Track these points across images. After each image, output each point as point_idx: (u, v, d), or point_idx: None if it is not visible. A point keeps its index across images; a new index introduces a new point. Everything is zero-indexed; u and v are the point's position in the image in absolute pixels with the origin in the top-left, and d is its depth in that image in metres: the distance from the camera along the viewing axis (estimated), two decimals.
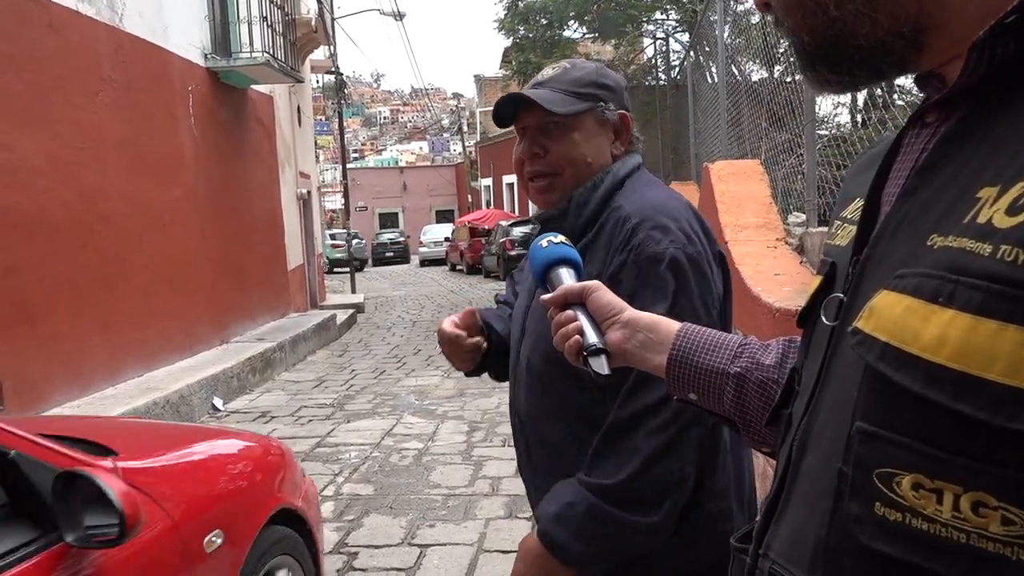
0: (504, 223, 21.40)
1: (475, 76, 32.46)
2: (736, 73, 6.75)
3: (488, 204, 29.40)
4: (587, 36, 14.01)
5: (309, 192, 14.22)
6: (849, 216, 0.69)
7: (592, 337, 0.92)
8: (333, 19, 16.35)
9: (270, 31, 9.41)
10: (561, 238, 1.08)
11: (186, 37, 8.21)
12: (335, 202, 35.72)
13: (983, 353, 0.44)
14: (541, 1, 12.83)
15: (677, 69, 11.74)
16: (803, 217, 3.96)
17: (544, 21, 12.87)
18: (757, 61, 6.24)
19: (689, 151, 9.12)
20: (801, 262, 3.42)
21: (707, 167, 4.76)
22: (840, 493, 0.53)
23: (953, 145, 0.54)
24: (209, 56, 8.78)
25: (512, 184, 26.45)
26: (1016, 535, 0.44)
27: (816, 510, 0.56)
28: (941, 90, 0.58)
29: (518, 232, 20.24)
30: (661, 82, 12.56)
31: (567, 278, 1.02)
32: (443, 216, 40.12)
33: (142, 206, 6.99)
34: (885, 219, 0.58)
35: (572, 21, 12.87)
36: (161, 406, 6.03)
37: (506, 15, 13.13)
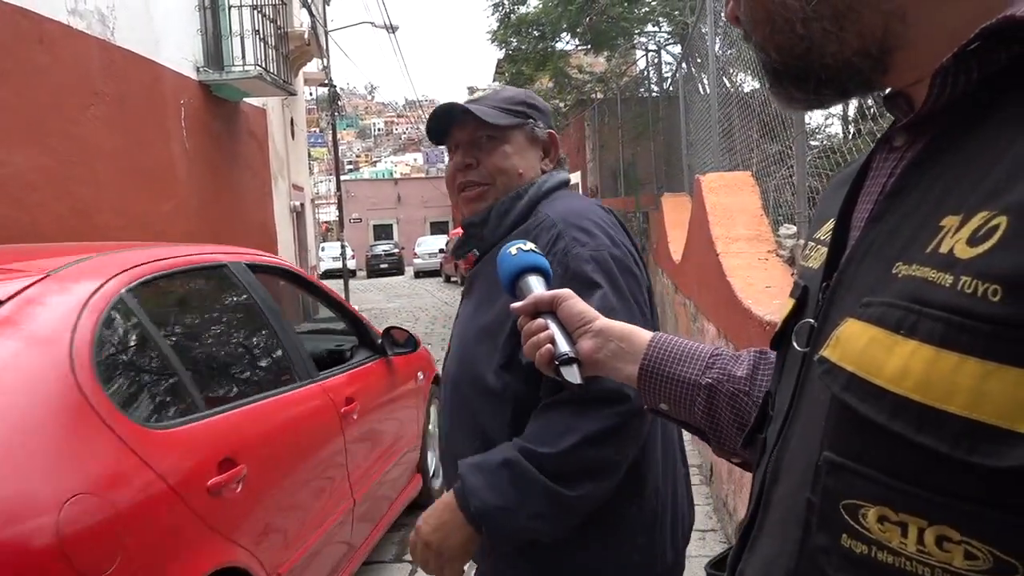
0: None
1: (468, 88, 32.57)
2: (727, 84, 6.79)
3: None
4: (579, 48, 14.06)
5: (303, 204, 14.21)
6: (823, 237, 0.68)
7: (564, 346, 0.92)
8: (326, 32, 16.38)
9: (263, 44, 9.43)
10: (531, 245, 1.08)
11: (178, 51, 8.22)
12: (329, 214, 35.68)
13: (944, 386, 0.44)
14: (534, 13, 12.88)
15: (669, 81, 11.80)
16: (794, 229, 3.97)
17: (536, 33, 12.92)
18: (748, 72, 6.28)
19: (682, 163, 9.16)
20: (792, 274, 3.44)
21: (698, 179, 4.78)
22: (808, 524, 0.53)
23: (919, 170, 0.54)
24: (201, 69, 8.79)
25: None
26: (979, 569, 0.43)
27: (787, 540, 0.56)
28: (908, 112, 0.58)
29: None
30: (653, 94, 12.61)
31: (537, 286, 1.01)
32: (438, 228, 40.11)
33: (135, 219, 6.98)
34: (854, 245, 0.57)
35: (564, 33, 12.92)
36: None
37: (499, 27, 13.17)
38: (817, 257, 0.66)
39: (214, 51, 9.11)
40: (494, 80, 30.89)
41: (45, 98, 5.85)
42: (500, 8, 13.01)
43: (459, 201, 1.47)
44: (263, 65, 9.23)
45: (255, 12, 9.31)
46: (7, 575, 1.43)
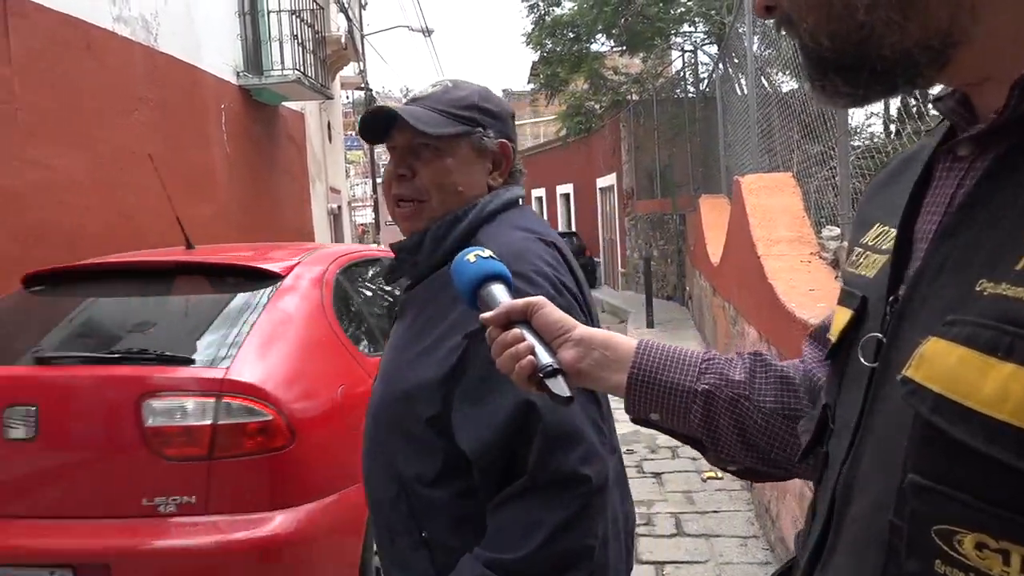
0: None
1: (503, 90, 32.59)
2: (766, 85, 6.70)
3: None
4: (614, 49, 14.01)
5: (340, 207, 14.35)
6: (871, 243, 0.66)
7: (546, 357, 0.85)
8: (362, 36, 16.54)
9: (300, 49, 9.55)
10: (489, 252, 0.99)
11: (219, 56, 8.36)
12: (366, 216, 35.99)
13: None
14: (569, 15, 12.86)
15: (706, 82, 11.70)
16: (837, 231, 3.91)
17: (571, 35, 12.89)
18: (787, 72, 6.19)
19: (719, 164, 9.07)
20: (836, 277, 3.38)
21: (738, 180, 4.72)
22: (894, 547, 0.51)
23: (995, 183, 0.51)
24: (241, 74, 8.93)
25: (541, 197, 26.48)
26: None
27: (866, 562, 0.54)
28: (962, 113, 0.56)
29: None
30: (690, 95, 12.51)
31: (502, 295, 0.94)
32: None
33: (176, 223, 7.09)
34: (926, 258, 0.55)
35: (600, 34, 12.88)
36: None
37: (534, 29, 13.17)
38: (870, 265, 0.64)
39: (253, 56, 9.25)
40: (528, 81, 30.97)
41: (91, 104, 5.98)
42: (535, 10, 13.01)
43: (393, 215, 1.32)
44: (301, 69, 9.35)
45: (293, 17, 9.43)
46: (316, 422, 2.61)
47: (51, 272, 3.14)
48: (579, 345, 0.86)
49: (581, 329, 0.87)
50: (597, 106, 14.21)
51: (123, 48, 6.47)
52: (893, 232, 0.62)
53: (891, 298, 0.57)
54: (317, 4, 10.66)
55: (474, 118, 1.27)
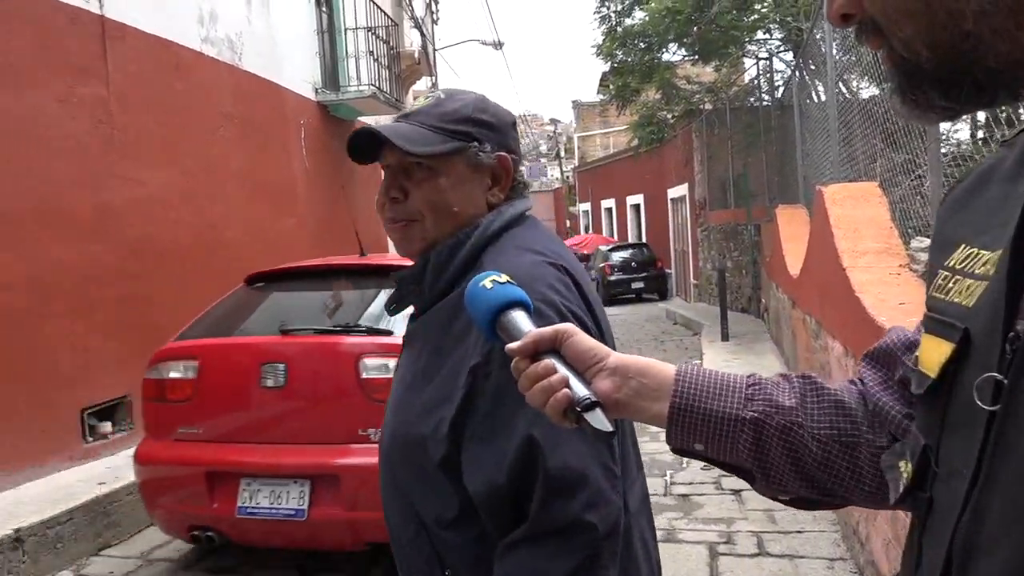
0: (603, 247, 21.34)
1: (573, 101, 32.65)
2: (844, 91, 6.53)
3: (587, 229, 29.37)
4: (686, 58, 13.86)
5: None
6: (960, 267, 0.61)
7: (583, 389, 0.79)
8: (434, 50, 16.81)
9: (376, 65, 9.76)
10: (505, 277, 0.91)
11: (299, 73, 8.61)
12: None
13: None
14: (640, 25, 12.79)
15: (781, 89, 11.45)
16: (927, 242, 3.77)
17: (643, 45, 12.80)
18: (867, 78, 6.01)
19: (796, 174, 8.86)
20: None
21: (820, 190, 4.60)
22: None
23: None
24: (319, 90, 9.17)
25: (611, 208, 26.34)
26: None
27: None
28: None
29: (617, 257, 20.14)
30: (764, 103, 12.27)
31: (525, 323, 0.86)
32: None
33: (259, 235, 7.33)
34: None
35: (671, 44, 12.76)
36: None
37: (604, 40, 13.13)
38: (964, 291, 0.59)
39: (331, 73, 9.49)
40: (598, 92, 30.88)
41: (180, 121, 6.23)
42: (606, 21, 12.98)
43: (388, 234, 1.25)
44: (376, 85, 9.55)
45: (369, 34, 9.65)
46: None
47: (267, 273, 4.25)
48: (615, 374, 0.81)
49: (615, 357, 0.82)
50: (669, 116, 14.06)
51: (210, 68, 6.74)
52: (987, 255, 0.57)
53: (1010, 334, 0.51)
54: (392, 20, 10.89)
55: (468, 132, 1.19)
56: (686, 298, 18.51)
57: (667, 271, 20.12)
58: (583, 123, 31.81)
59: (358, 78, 9.58)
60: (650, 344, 12.14)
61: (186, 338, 3.90)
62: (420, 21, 12.67)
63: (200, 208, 6.43)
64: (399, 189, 1.19)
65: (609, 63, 13.92)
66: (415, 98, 14.50)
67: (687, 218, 17.87)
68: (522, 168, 1.27)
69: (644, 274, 19.80)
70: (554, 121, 52.75)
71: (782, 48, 12.58)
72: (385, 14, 10.37)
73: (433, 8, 16.46)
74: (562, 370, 0.80)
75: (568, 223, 34.43)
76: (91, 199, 5.27)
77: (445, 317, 1.14)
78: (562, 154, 41.81)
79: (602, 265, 20.17)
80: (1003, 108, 3.25)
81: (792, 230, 7.67)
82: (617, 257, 20.16)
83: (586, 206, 29.91)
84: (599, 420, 0.77)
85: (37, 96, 4.88)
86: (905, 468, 0.65)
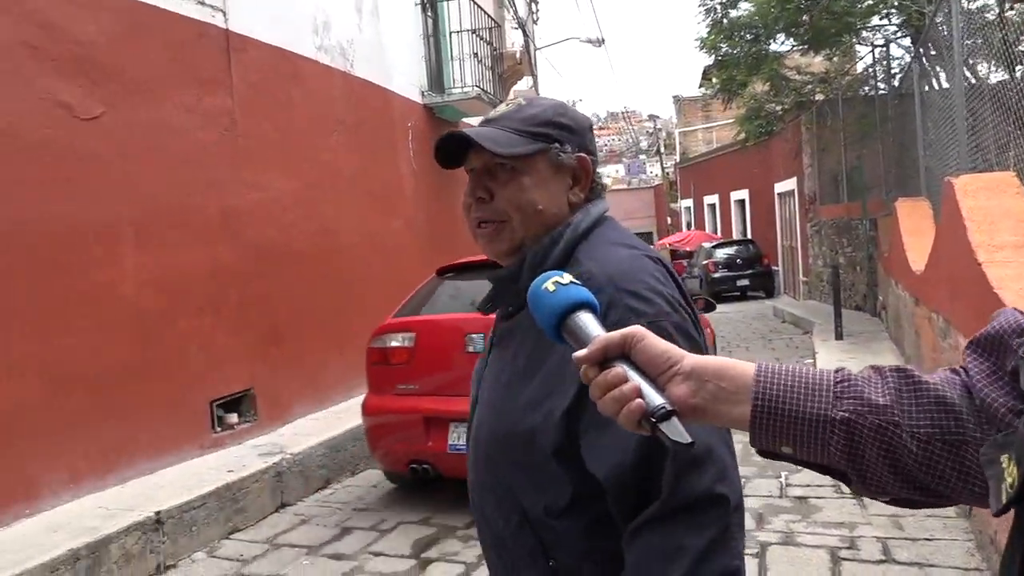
0: (707, 244, 20.90)
1: (674, 97, 32.11)
2: (969, 76, 6.16)
3: (689, 226, 28.85)
4: (795, 48, 13.40)
5: None
6: None
7: (656, 397, 0.75)
8: (535, 50, 16.87)
9: (480, 66, 9.89)
10: (569, 277, 0.89)
11: (406, 77, 8.83)
12: None
13: None
14: (747, 16, 12.44)
15: (900, 77, 10.91)
16: None
17: (749, 36, 12.45)
18: (995, 63, 5.66)
19: (917, 165, 8.42)
20: None
21: (950, 182, 4.36)
22: None
23: None
24: (426, 93, 9.37)
25: (714, 204, 25.77)
26: None
27: None
28: None
29: (722, 253, 19.70)
30: (880, 92, 11.72)
31: (592, 325, 0.83)
32: (641, 239, 39.69)
33: (370, 236, 7.56)
34: None
35: (780, 34, 12.35)
36: None
37: (709, 33, 12.85)
38: None
39: (436, 76, 9.68)
40: (700, 87, 30.28)
41: (297, 127, 6.50)
42: (711, 13, 12.69)
43: (476, 237, 1.27)
44: (480, 86, 9.68)
45: (473, 36, 9.79)
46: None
47: (453, 265, 5.12)
48: (690, 378, 0.77)
49: (690, 359, 0.79)
50: (778, 108, 13.62)
51: (324, 75, 7.00)
52: None
53: None
54: (495, 22, 11.01)
55: (549, 134, 1.23)
56: (794, 295, 17.90)
57: (774, 268, 19.51)
58: (684, 118, 31.25)
59: (462, 80, 9.73)
60: (758, 343, 11.81)
61: (400, 316, 5.01)
62: (522, 21, 12.75)
63: (315, 211, 6.69)
64: (484, 190, 1.22)
65: (713, 56, 13.61)
66: (513, 98, 14.66)
67: (795, 213, 17.27)
68: (599, 170, 1.31)
69: (750, 271, 19.28)
70: (653, 117, 52.02)
71: (900, 34, 11.99)
72: (488, 16, 10.49)
73: (533, 8, 16.54)
74: (634, 377, 0.78)
75: (669, 220, 33.91)
76: (217, 204, 5.57)
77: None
78: (662, 150, 41.18)
79: (705, 262, 19.76)
80: None
81: (914, 224, 7.30)
82: (721, 254, 19.71)
83: (688, 202, 29.38)
84: (676, 431, 0.74)
85: (168, 107, 5.20)
86: (1009, 467, 0.60)
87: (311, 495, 5.33)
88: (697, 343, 1.14)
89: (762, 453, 0.79)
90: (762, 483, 4.95)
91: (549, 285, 0.88)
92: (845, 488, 4.29)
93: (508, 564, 1.22)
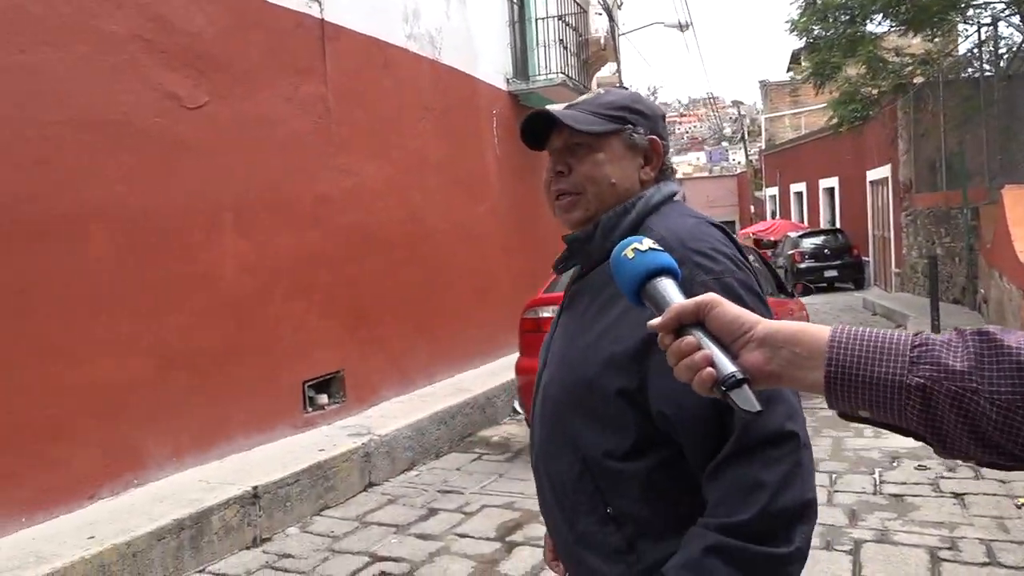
0: (793, 234, 20.32)
1: (760, 82, 31.23)
2: None
3: (773, 215, 28.08)
4: (893, 28, 12.82)
5: None
6: None
7: (728, 365, 0.77)
8: (618, 36, 16.66)
9: (564, 52, 9.84)
10: (649, 243, 0.92)
11: (492, 64, 8.86)
12: None
13: None
14: None
15: (1008, 58, 10.32)
16: None
17: (845, 17, 11.98)
18: None
19: None
20: None
21: None
22: None
23: None
24: (510, 80, 9.38)
25: (801, 193, 25.00)
26: None
27: None
28: None
29: (808, 243, 19.11)
30: (987, 73, 11.11)
31: (672, 292, 0.86)
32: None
33: (456, 222, 7.65)
34: None
35: (877, 14, 11.84)
36: (471, 406, 6.53)
37: (801, 15, 12.43)
38: None
39: (521, 62, 9.68)
40: (787, 71, 29.33)
41: (388, 114, 6.62)
42: None
43: (554, 209, 1.40)
44: (565, 72, 9.63)
45: (558, 22, 9.73)
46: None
47: None
48: (763, 345, 0.78)
49: (763, 325, 0.80)
50: (875, 92, 13.08)
51: (413, 63, 7.09)
52: None
53: None
54: (580, 8, 10.92)
55: (624, 117, 1.35)
56: (885, 287, 17.23)
57: (864, 259, 18.81)
58: (771, 104, 30.36)
59: (547, 67, 9.70)
60: None
61: (549, 292, 5.58)
62: (607, 6, 12.62)
63: (404, 197, 6.81)
64: (564, 164, 1.35)
65: (804, 39, 13.18)
66: (598, 85, 14.60)
67: (889, 202, 16.60)
68: (670, 157, 1.42)
69: (838, 262, 18.64)
70: (736, 103, 50.79)
71: (1009, 11, 11.34)
72: (574, 1, 10.42)
73: None
74: (707, 345, 0.79)
75: (752, 208, 33.09)
76: (311, 190, 5.72)
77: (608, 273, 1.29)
78: (746, 137, 40.16)
79: (791, 252, 19.21)
80: None
81: (1022, 212, 6.93)
82: (808, 244, 19.12)
83: (773, 191, 28.58)
84: (745, 399, 0.76)
85: (268, 96, 5.37)
86: None
87: (397, 476, 5.45)
88: (762, 298, 1.22)
89: (842, 416, 0.79)
90: (855, 479, 4.81)
91: (628, 252, 0.91)
92: (944, 487, 4.12)
93: (567, 513, 1.28)
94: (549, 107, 1.38)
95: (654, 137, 1.38)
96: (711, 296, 0.83)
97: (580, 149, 1.34)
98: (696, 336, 0.80)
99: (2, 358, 3.78)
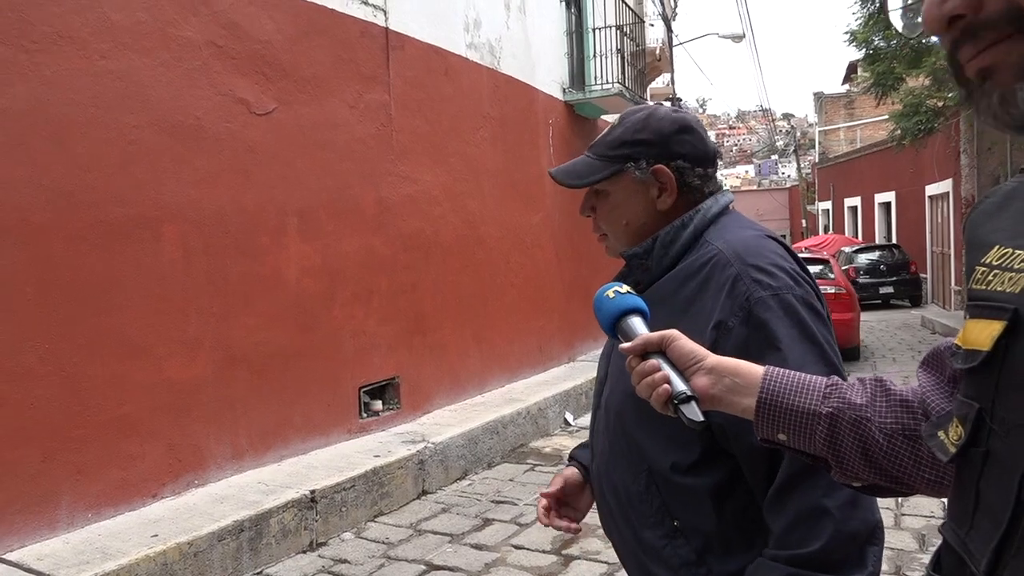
0: (847, 249, 19.89)
1: (815, 94, 30.72)
2: None
3: (826, 229, 27.56)
4: None
5: None
6: (999, 263, 0.72)
7: (680, 384, 0.94)
8: (672, 46, 16.56)
9: (621, 62, 9.79)
10: (626, 288, 1.09)
11: (549, 74, 8.85)
12: None
13: None
14: None
15: None
16: None
17: None
18: None
19: None
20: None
21: None
22: None
23: None
24: (567, 90, 9.36)
25: (856, 207, 24.50)
26: None
27: None
28: None
29: (864, 259, 18.69)
30: None
31: (640, 327, 1.03)
32: None
33: (510, 230, 7.64)
34: None
35: None
36: (523, 416, 6.49)
37: (864, 25, 12.18)
38: (1008, 282, 0.69)
39: (578, 72, 9.65)
40: (843, 83, 28.82)
41: (447, 122, 6.64)
42: (868, 5, 12.02)
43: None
44: (621, 82, 9.58)
45: (615, 32, 9.69)
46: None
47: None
48: (711, 373, 0.95)
49: (712, 358, 0.96)
50: (940, 104, 12.74)
51: (473, 71, 7.11)
52: (1022, 254, 0.70)
53: None
54: (638, 18, 10.87)
55: (625, 154, 1.34)
56: (944, 305, 16.76)
57: (921, 275, 18.34)
58: (826, 116, 29.86)
59: (603, 76, 9.66)
60: (905, 354, 11.14)
61: None
62: (666, 17, 12.53)
63: (462, 205, 6.82)
64: (590, 208, 1.41)
65: (864, 50, 12.91)
66: (651, 96, 14.44)
67: (949, 217, 16.16)
68: (698, 169, 1.35)
69: (894, 278, 18.16)
70: (787, 116, 50.08)
71: None
72: (633, 12, 10.37)
73: (673, 3, 16.22)
74: (665, 368, 0.96)
75: (804, 222, 32.54)
76: (373, 196, 5.76)
77: (673, 287, 1.29)
78: (797, 150, 39.55)
79: (846, 268, 18.82)
80: None
81: None
82: (863, 259, 18.67)
83: (826, 204, 28.07)
84: (693, 411, 0.92)
85: (333, 103, 5.42)
86: (955, 431, 0.74)
87: (450, 484, 5.44)
88: (820, 315, 1.21)
89: (763, 440, 0.95)
90: (923, 502, 4.66)
91: (609, 293, 1.09)
92: None
93: (633, 526, 1.29)
94: (605, 123, 1.40)
95: (659, 166, 1.33)
96: (673, 331, 1.00)
97: (599, 193, 1.39)
98: (657, 361, 0.97)
99: (83, 354, 3.87)
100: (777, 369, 0.95)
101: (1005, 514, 0.66)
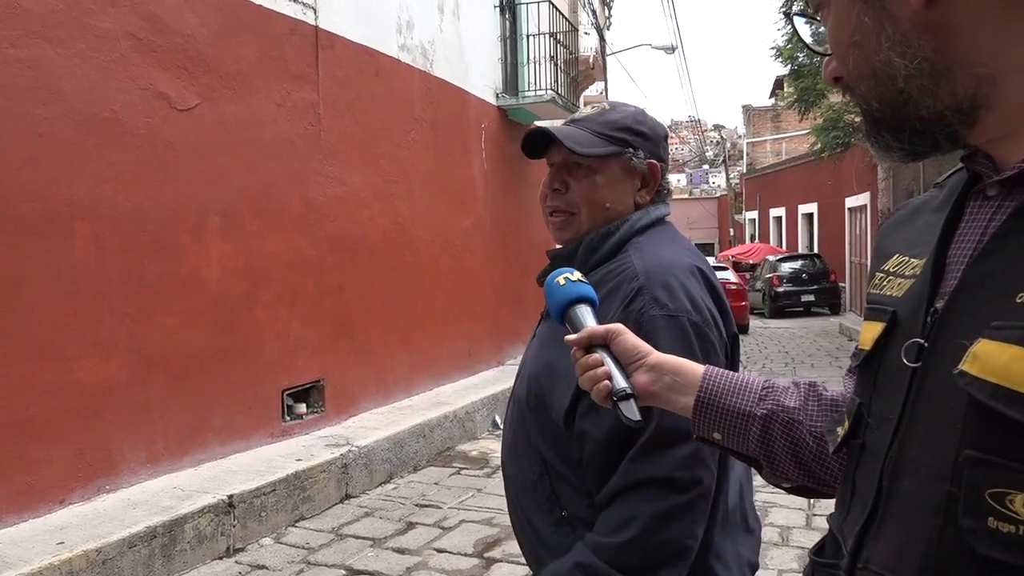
0: (771, 258, 20.50)
1: (743, 106, 31.59)
2: None
3: (753, 238, 28.34)
4: None
5: None
6: (893, 270, 0.77)
7: (621, 382, 0.93)
8: (606, 56, 16.79)
9: (555, 69, 9.89)
10: (578, 275, 1.07)
11: (482, 79, 8.87)
12: None
13: None
14: None
15: None
16: None
17: None
18: None
19: None
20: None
21: None
22: (950, 512, 0.60)
23: None
24: (500, 95, 9.40)
25: (780, 218, 25.28)
26: None
27: (921, 527, 0.63)
28: (987, 164, 0.68)
29: (787, 267, 19.29)
30: None
31: (588, 318, 1.02)
32: (703, 250, 38.88)
33: (441, 234, 7.62)
34: (964, 276, 0.65)
35: None
36: (451, 419, 6.48)
37: (787, 42, 12.59)
38: (895, 287, 0.75)
39: (511, 77, 9.71)
40: (770, 97, 29.72)
41: (377, 123, 6.59)
42: (788, 23, 12.44)
43: (548, 224, 1.43)
44: (554, 89, 9.67)
45: (549, 39, 9.79)
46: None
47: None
48: (652, 370, 0.96)
49: (655, 356, 0.98)
50: (857, 119, 13.25)
51: (405, 73, 7.08)
52: (915, 262, 0.74)
53: (931, 309, 0.67)
54: (572, 26, 11.00)
55: (625, 139, 1.35)
56: (861, 313, 17.42)
57: (841, 284, 19.04)
58: (753, 128, 30.72)
59: (537, 83, 9.74)
60: (823, 360, 11.54)
61: None
62: (599, 27, 12.70)
63: (391, 207, 6.78)
64: (562, 182, 1.36)
65: (788, 66, 13.34)
66: (585, 104, 14.62)
67: (867, 229, 16.83)
68: (668, 177, 1.43)
69: (815, 287, 18.83)
70: (718, 127, 51.32)
71: None
72: (567, 20, 10.49)
73: (607, 13, 16.46)
74: (608, 363, 0.95)
75: (732, 231, 33.39)
76: (299, 196, 5.68)
77: None
78: (727, 160, 40.56)
79: (769, 276, 19.38)
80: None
81: None
82: (787, 268, 19.29)
83: (753, 214, 28.86)
84: (631, 410, 0.92)
85: (259, 101, 5.32)
86: (843, 425, 0.79)
87: (374, 488, 5.39)
88: (712, 344, 1.24)
89: (699, 439, 0.97)
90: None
91: (560, 279, 1.07)
92: None
93: (528, 514, 1.33)
94: (551, 124, 1.39)
95: (653, 161, 1.37)
96: (618, 325, 1.00)
97: (579, 170, 1.35)
98: (601, 355, 0.97)
99: None
100: (716, 369, 0.97)
101: (869, 499, 0.71)
